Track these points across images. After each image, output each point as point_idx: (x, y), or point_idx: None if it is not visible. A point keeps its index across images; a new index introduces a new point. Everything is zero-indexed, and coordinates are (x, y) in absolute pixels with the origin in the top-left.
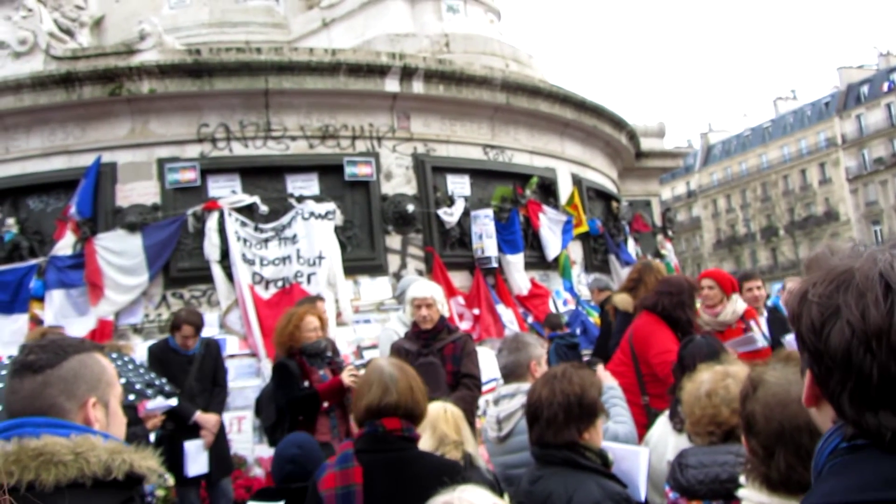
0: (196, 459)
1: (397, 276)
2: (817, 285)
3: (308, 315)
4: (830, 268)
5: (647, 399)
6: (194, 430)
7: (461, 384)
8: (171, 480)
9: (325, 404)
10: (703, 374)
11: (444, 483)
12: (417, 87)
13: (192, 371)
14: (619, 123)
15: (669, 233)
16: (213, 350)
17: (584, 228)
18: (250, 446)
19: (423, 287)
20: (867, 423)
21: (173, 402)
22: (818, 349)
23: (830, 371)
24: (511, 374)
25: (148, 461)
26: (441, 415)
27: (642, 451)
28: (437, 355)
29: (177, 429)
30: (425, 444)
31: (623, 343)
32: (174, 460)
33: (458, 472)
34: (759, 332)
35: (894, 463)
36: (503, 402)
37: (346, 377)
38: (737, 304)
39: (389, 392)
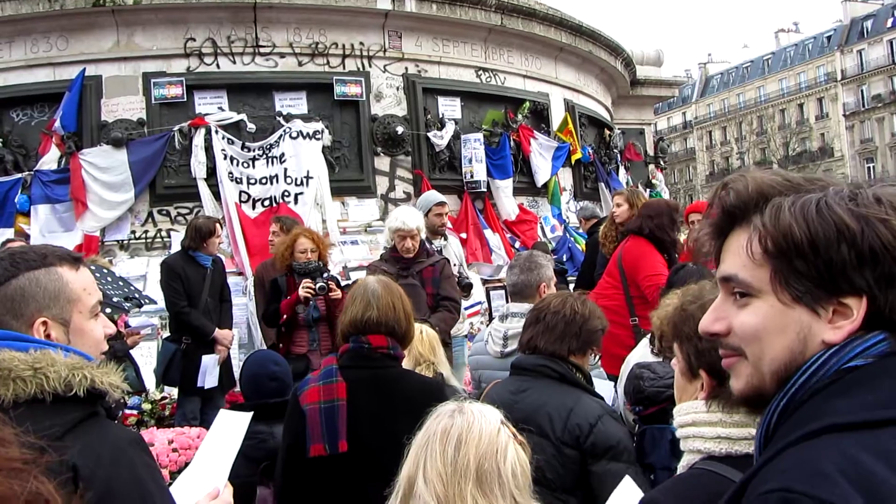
0: (211, 373)
1: (385, 199)
2: (860, 205)
3: (300, 237)
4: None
5: (636, 320)
6: (210, 346)
7: (441, 306)
8: (157, 395)
9: (284, 316)
10: (672, 298)
11: (428, 401)
12: (410, 5)
13: (205, 287)
14: (615, 49)
15: (661, 162)
16: (219, 266)
17: (579, 155)
18: (236, 363)
19: (407, 218)
20: None
21: (155, 321)
22: None
23: None
24: (520, 293)
25: (110, 377)
26: (417, 336)
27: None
28: (417, 278)
29: (192, 343)
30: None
31: (611, 266)
32: (186, 373)
33: (442, 389)
34: None
35: None
36: (512, 319)
37: (301, 291)
38: None
39: (370, 307)
